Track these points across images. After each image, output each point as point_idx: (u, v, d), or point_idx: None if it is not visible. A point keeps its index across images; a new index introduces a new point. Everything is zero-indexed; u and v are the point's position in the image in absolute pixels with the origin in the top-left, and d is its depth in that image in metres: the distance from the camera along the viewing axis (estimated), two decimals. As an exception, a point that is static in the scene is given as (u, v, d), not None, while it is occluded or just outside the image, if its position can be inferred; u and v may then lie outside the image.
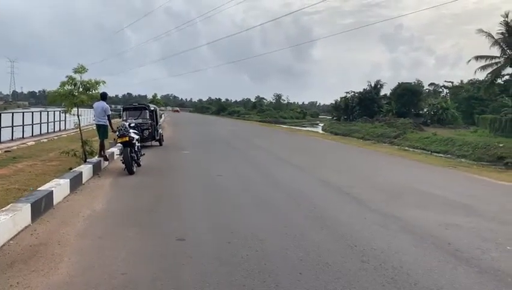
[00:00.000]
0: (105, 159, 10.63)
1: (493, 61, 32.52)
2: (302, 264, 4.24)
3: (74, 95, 9.86)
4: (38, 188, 6.42)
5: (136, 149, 10.23)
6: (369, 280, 3.90)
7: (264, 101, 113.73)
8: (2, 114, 16.60)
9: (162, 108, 59.97)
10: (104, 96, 10.43)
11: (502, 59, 32.03)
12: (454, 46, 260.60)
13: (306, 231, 5.41)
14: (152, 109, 16.96)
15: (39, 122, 20.88)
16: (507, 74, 35.31)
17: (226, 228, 5.46)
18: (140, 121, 15.78)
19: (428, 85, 72.86)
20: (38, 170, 9.05)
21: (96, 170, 9.60)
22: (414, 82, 62.82)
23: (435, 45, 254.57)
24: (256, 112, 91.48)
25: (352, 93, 63.60)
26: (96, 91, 10.20)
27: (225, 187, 8.55)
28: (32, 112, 21.10)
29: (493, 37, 31.45)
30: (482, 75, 35.87)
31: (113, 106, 37.34)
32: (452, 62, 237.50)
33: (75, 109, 10.34)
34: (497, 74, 33.42)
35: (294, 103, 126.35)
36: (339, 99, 66.38)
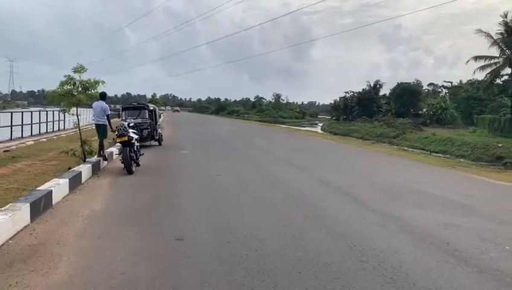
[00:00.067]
0: (105, 158, 10.62)
1: (492, 61, 32.60)
2: (301, 263, 4.24)
3: (73, 94, 9.85)
4: (38, 188, 6.41)
5: (135, 149, 10.23)
6: (368, 279, 3.91)
7: (263, 100, 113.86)
8: (1, 113, 16.58)
9: (162, 108, 60.03)
10: (103, 96, 10.42)
11: (500, 59, 32.10)
12: (453, 46, 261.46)
13: (305, 231, 5.42)
14: (151, 108, 16.95)
15: (38, 121, 20.87)
16: (506, 74, 35.31)
17: (225, 228, 5.46)
18: (139, 120, 15.78)
19: (428, 85, 73.07)
20: (38, 169, 9.04)
21: (96, 169, 9.60)
22: (413, 82, 63.00)
23: (434, 45, 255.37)
24: (255, 112, 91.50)
25: (352, 93, 63.67)
26: (96, 91, 10.19)
27: (224, 187, 8.55)
28: (32, 112, 21.08)
29: (492, 37, 31.53)
30: (481, 75, 36.03)
31: (112, 105, 37.29)
32: (451, 62, 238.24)
33: (74, 109, 10.33)
34: (496, 74, 33.48)
35: (293, 102, 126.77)
36: (338, 99, 66.37)
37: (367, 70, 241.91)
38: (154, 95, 41.52)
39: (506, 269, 4.28)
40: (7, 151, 12.52)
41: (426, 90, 69.05)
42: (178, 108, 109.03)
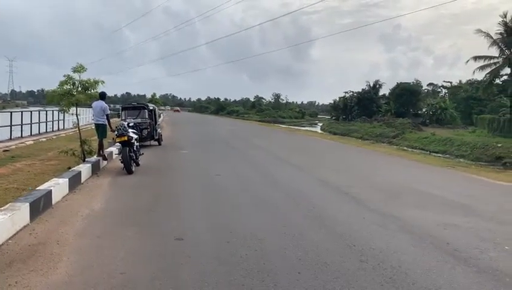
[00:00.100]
0: (104, 158, 10.61)
1: (492, 61, 32.62)
2: (301, 263, 4.25)
3: (73, 94, 9.85)
4: (37, 188, 6.41)
5: (134, 149, 10.23)
6: (368, 279, 3.91)
7: (263, 100, 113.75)
8: (0, 113, 16.57)
9: (162, 108, 60.00)
10: (102, 96, 10.42)
11: (500, 59, 32.11)
12: (452, 46, 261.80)
13: (305, 231, 5.42)
14: (151, 108, 16.96)
15: (38, 121, 20.86)
16: (505, 74, 35.35)
17: (225, 228, 5.46)
18: (139, 120, 15.78)
19: (427, 85, 73.18)
20: (37, 169, 9.04)
21: (95, 169, 9.59)
22: (413, 82, 63.07)
23: (434, 45, 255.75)
24: (255, 112, 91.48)
25: (351, 93, 63.66)
26: (95, 90, 10.19)
27: (224, 187, 8.55)
28: (31, 111, 21.07)
29: (492, 37, 31.55)
30: (480, 75, 36.06)
31: (112, 105, 37.31)
32: (451, 62, 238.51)
33: (73, 109, 10.33)
34: (495, 74, 33.51)
35: (293, 102, 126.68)
36: (337, 99, 66.41)
37: (366, 70, 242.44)
38: (153, 95, 41.50)
39: (505, 268, 4.29)
40: (7, 151, 12.51)
41: (426, 90, 69.15)
42: (178, 108, 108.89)
